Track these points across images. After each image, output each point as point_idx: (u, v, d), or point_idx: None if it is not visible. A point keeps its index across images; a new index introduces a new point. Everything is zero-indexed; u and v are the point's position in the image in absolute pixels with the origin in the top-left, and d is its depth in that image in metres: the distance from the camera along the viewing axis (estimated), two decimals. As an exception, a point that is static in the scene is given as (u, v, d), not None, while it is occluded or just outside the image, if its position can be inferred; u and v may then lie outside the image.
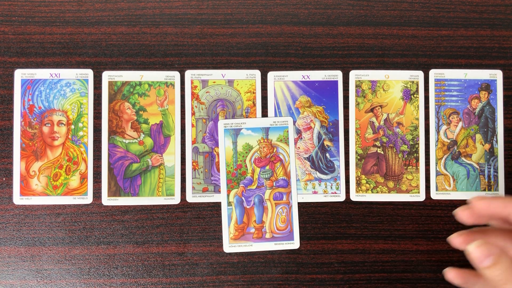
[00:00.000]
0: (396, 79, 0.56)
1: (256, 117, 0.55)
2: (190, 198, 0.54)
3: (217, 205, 0.54)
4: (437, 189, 0.55)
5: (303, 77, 0.55)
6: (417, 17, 0.56)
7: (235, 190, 0.54)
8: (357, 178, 0.55)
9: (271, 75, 0.55)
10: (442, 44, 0.56)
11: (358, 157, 0.55)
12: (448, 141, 0.55)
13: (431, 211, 0.55)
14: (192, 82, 0.55)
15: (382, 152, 0.55)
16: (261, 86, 0.55)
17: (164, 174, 0.54)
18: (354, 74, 0.56)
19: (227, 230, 0.54)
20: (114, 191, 0.54)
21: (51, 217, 0.54)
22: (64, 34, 0.55)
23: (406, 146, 0.55)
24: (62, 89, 0.54)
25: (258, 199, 0.54)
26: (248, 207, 0.54)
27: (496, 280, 0.41)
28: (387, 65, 0.56)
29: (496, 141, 0.56)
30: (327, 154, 0.55)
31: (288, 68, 0.55)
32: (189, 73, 0.55)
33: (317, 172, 0.55)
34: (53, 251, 0.53)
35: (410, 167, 0.55)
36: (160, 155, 0.54)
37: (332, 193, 0.55)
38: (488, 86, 0.56)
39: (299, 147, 0.55)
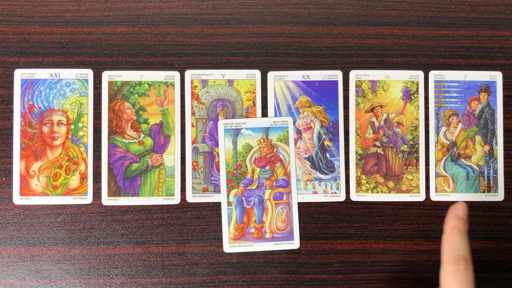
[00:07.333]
0: (396, 79, 0.56)
1: (256, 117, 0.55)
2: (190, 198, 0.54)
3: (217, 205, 0.54)
4: (436, 191, 0.55)
5: (303, 77, 0.55)
6: (417, 17, 0.56)
7: (235, 190, 0.54)
8: (357, 178, 0.55)
9: (271, 75, 0.55)
10: (442, 44, 0.56)
11: (358, 157, 0.55)
12: (448, 143, 0.55)
13: (431, 211, 0.55)
14: (192, 82, 0.55)
15: (382, 152, 0.55)
16: (261, 86, 0.55)
17: (164, 174, 0.54)
18: (354, 74, 0.56)
19: (227, 230, 0.54)
20: (114, 191, 0.54)
21: (51, 217, 0.54)
22: (64, 34, 0.55)
23: (406, 146, 0.55)
24: (62, 89, 0.54)
25: (258, 199, 0.54)
26: (248, 207, 0.54)
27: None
28: (387, 65, 0.56)
29: (496, 143, 0.55)
30: (327, 154, 0.55)
31: (288, 68, 0.55)
32: (189, 73, 0.55)
33: (317, 172, 0.55)
34: (53, 251, 0.53)
35: (410, 167, 0.55)
36: (160, 155, 0.54)
37: (332, 193, 0.55)
38: (487, 88, 0.56)
39: (299, 147, 0.55)
